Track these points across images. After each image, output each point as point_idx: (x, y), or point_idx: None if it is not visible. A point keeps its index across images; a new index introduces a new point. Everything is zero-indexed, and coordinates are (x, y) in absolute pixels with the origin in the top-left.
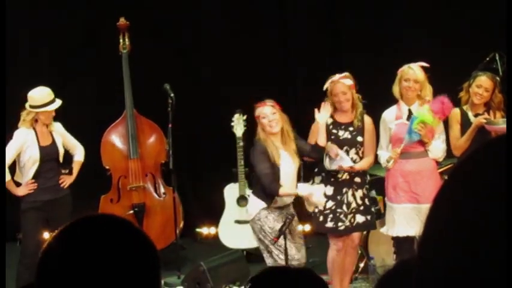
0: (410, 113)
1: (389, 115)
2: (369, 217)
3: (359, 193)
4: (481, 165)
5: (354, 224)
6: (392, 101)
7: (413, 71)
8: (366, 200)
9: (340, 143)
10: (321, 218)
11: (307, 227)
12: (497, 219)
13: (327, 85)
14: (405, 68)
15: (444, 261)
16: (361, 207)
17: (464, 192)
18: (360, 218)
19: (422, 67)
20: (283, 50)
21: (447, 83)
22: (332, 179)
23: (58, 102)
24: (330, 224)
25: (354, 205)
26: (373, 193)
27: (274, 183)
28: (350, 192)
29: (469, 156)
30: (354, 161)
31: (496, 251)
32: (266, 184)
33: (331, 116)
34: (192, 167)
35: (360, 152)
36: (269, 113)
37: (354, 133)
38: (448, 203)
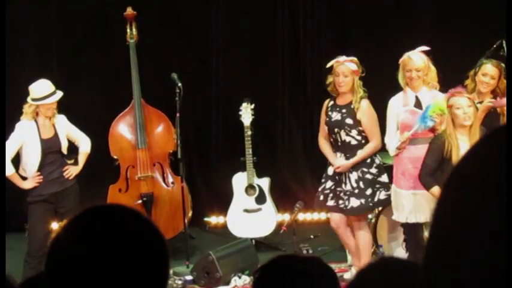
0: (417, 99)
1: (396, 102)
2: (362, 201)
3: (354, 175)
4: (481, 160)
5: (348, 208)
6: (398, 88)
7: (413, 61)
8: (361, 183)
9: (331, 125)
10: (322, 197)
11: (323, 215)
12: (498, 215)
13: (331, 63)
14: (405, 57)
15: (452, 263)
16: (356, 191)
17: (465, 190)
18: (354, 202)
19: (424, 51)
20: (293, 39)
21: (455, 68)
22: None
23: (58, 95)
24: (330, 203)
25: (348, 187)
26: (385, 178)
27: (430, 179)
28: (347, 174)
29: (468, 152)
30: (348, 143)
31: (497, 245)
32: (422, 174)
33: (333, 97)
34: (200, 156)
35: (351, 134)
36: (465, 105)
37: (344, 115)
38: (452, 202)
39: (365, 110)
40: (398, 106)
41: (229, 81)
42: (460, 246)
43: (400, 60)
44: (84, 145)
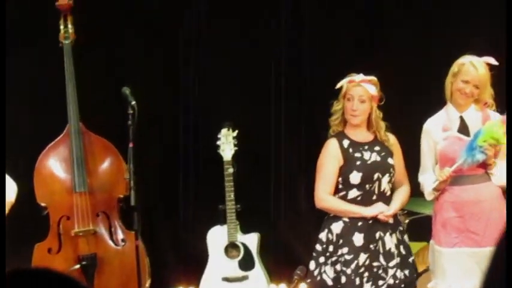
0: (462, 121)
1: (434, 125)
2: (407, 272)
3: (393, 239)
4: None
5: (397, 282)
6: (425, 115)
7: (476, 71)
8: (402, 248)
9: (370, 169)
10: (358, 281)
11: None
12: None
13: (342, 83)
14: (466, 63)
15: None
16: (398, 259)
17: None
18: (399, 275)
19: (488, 65)
20: (294, 46)
21: None
22: (360, 223)
23: None
24: (367, 286)
25: (394, 258)
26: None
27: None
28: (388, 238)
29: None
30: (385, 193)
31: None
32: None
33: (344, 134)
34: (163, 202)
35: (393, 180)
36: None
37: (383, 154)
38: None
39: (398, 147)
40: (436, 131)
41: (204, 100)
42: None
43: (457, 63)
44: (8, 192)
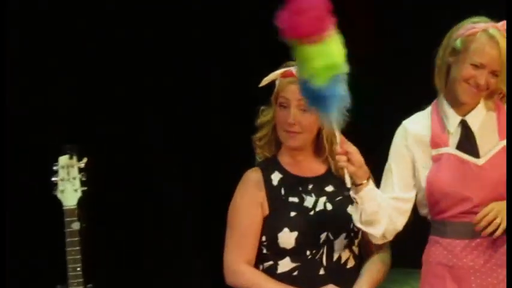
0: (465, 129)
1: (417, 132)
2: None
3: None
4: None
5: None
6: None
7: (496, 48)
8: None
9: (313, 225)
10: None
11: None
12: None
13: (272, 77)
14: (478, 32)
15: None
16: None
17: None
18: None
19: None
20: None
21: None
22: None
23: None
24: None
25: None
26: None
27: None
28: None
29: None
30: (343, 265)
31: None
32: None
33: (275, 162)
34: None
35: (355, 244)
36: None
37: (340, 198)
38: None
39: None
40: (420, 145)
41: (39, 109)
42: None
43: (460, 32)
44: None
